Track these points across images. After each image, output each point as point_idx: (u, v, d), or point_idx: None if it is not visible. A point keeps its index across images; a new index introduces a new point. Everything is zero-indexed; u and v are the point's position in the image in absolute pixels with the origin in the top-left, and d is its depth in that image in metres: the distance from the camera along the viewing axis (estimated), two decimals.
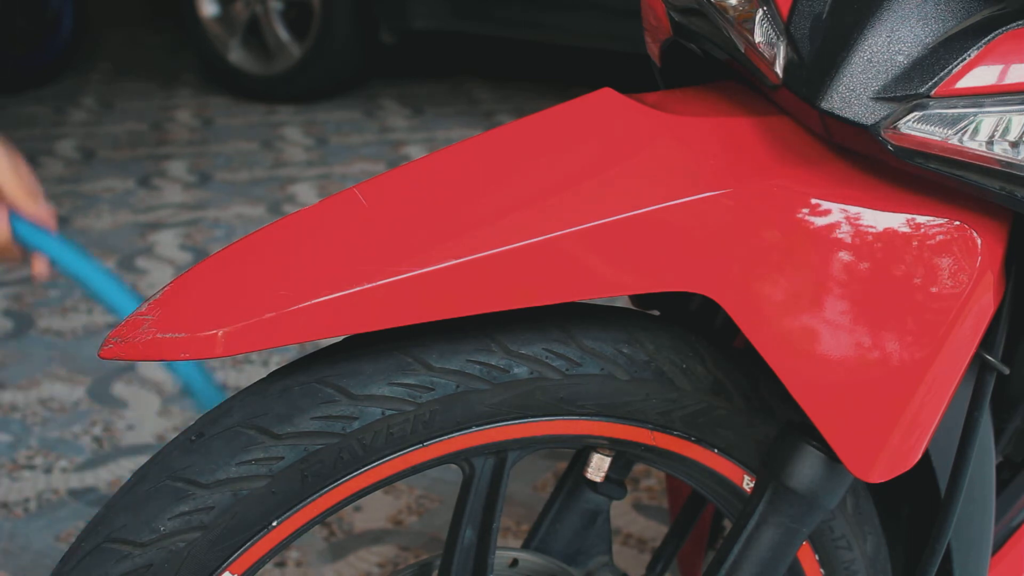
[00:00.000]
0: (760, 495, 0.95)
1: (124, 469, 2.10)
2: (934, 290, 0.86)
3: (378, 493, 1.99)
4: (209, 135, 4.28)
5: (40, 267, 1.00)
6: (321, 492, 0.87)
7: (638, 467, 1.95)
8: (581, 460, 1.07)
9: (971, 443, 0.96)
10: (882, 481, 0.91)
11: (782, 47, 0.85)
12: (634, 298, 1.07)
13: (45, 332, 2.66)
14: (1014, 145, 0.80)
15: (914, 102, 0.79)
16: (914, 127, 0.80)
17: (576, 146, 0.89)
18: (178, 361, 0.89)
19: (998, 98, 0.79)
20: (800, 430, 0.93)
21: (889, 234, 0.86)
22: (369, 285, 0.80)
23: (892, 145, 0.81)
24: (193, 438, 0.86)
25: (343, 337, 0.86)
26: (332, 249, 0.82)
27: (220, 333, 0.78)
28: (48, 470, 2.10)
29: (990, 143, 0.80)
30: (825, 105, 0.81)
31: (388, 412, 0.86)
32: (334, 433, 0.85)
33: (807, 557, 1.03)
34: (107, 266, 3.05)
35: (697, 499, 1.21)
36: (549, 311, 0.89)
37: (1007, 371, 0.95)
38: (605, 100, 0.92)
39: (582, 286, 0.84)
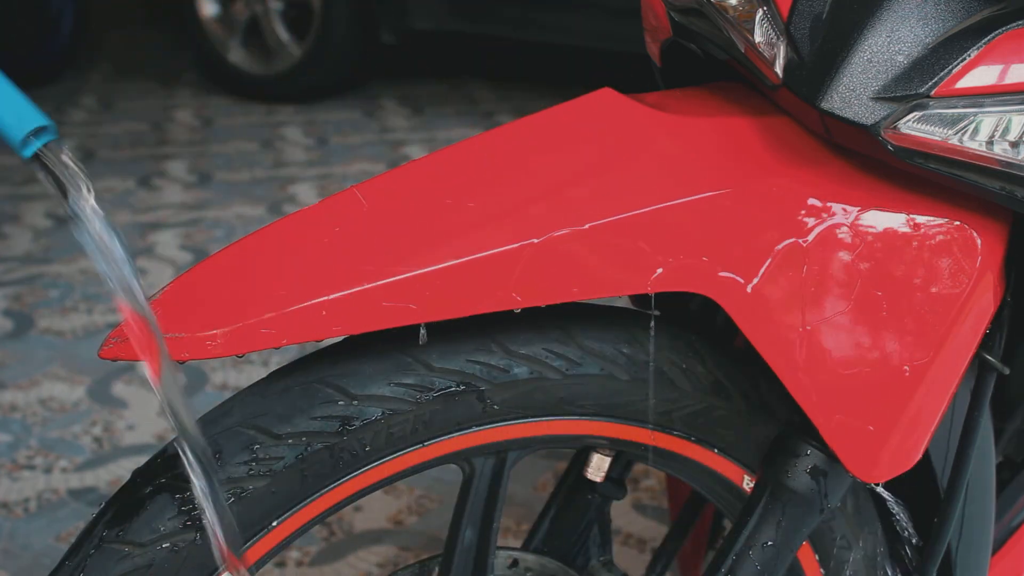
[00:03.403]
0: (760, 495, 0.95)
1: (124, 469, 2.10)
2: (934, 290, 0.86)
3: (378, 493, 1.98)
4: (209, 135, 4.28)
5: None
6: (321, 492, 0.87)
7: (638, 467, 1.95)
8: (581, 460, 1.07)
9: (971, 443, 0.96)
10: (882, 482, 0.91)
11: (782, 47, 0.85)
12: (634, 298, 1.07)
13: (45, 332, 2.66)
14: (1014, 145, 0.79)
15: (914, 102, 0.79)
16: (914, 127, 0.80)
17: (576, 146, 0.89)
18: None
19: (998, 98, 0.79)
20: (800, 430, 0.93)
21: (889, 234, 0.86)
22: (369, 285, 0.80)
23: (892, 145, 0.81)
24: None
25: (343, 337, 0.86)
26: (332, 249, 0.82)
27: (220, 333, 0.78)
28: (48, 470, 2.10)
29: (990, 143, 0.80)
30: (825, 105, 0.81)
31: (388, 412, 0.86)
32: (334, 433, 0.85)
33: (807, 557, 1.03)
34: None
35: (697, 499, 1.21)
36: (549, 311, 0.89)
37: (1007, 371, 0.95)
38: (605, 100, 0.92)
39: (582, 286, 0.84)
